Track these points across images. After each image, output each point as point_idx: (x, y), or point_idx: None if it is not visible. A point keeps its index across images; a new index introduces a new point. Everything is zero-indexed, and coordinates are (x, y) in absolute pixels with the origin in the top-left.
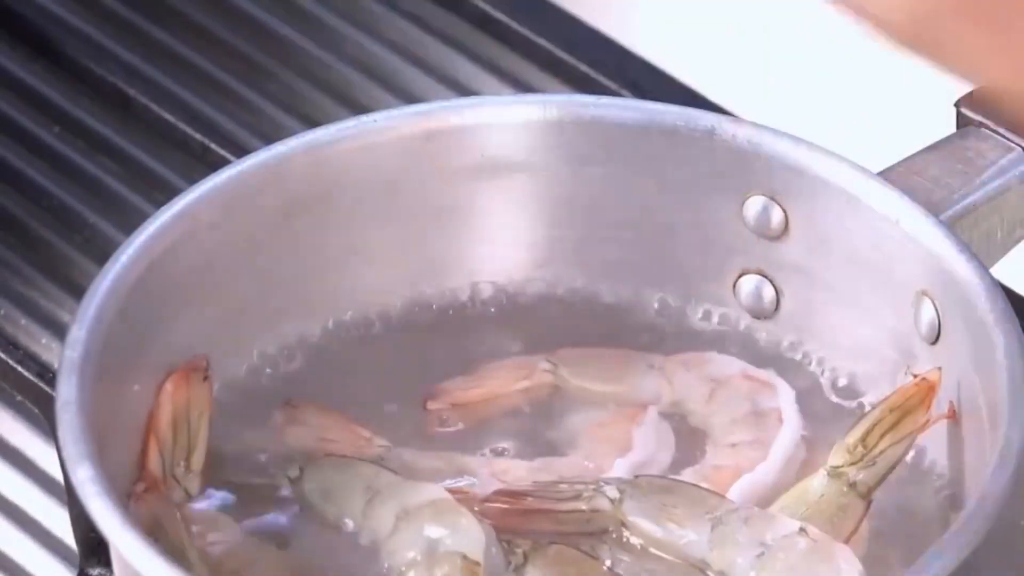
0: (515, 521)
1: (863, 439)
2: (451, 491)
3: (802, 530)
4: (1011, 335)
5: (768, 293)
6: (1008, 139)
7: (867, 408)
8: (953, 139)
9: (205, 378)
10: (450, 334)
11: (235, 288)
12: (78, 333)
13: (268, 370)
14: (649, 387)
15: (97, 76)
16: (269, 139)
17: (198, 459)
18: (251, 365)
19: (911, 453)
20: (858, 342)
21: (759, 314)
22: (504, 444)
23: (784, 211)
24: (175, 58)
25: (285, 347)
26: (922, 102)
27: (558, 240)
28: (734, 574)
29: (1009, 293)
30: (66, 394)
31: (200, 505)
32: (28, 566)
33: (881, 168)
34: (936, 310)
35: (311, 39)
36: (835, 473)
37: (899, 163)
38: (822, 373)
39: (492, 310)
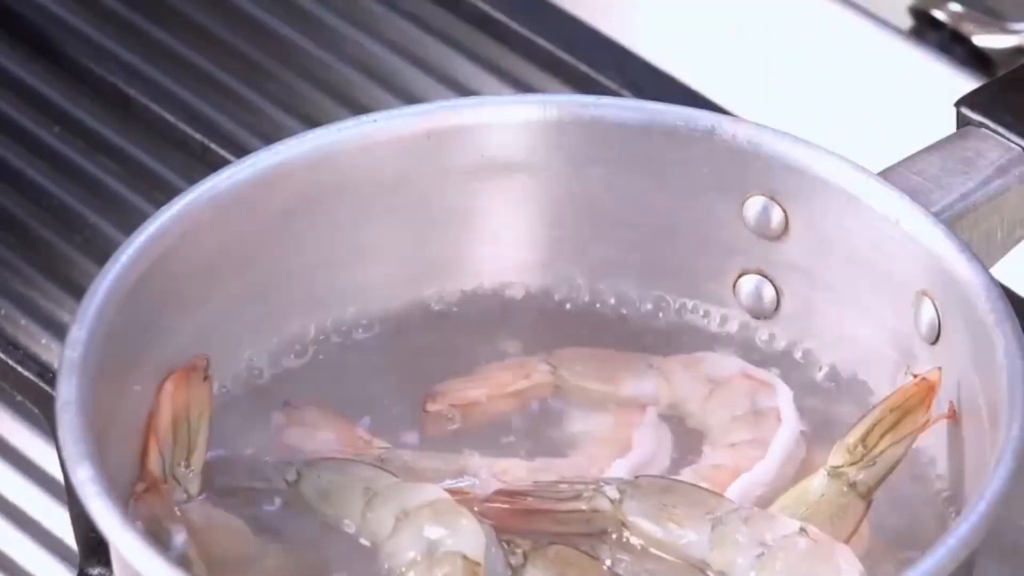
0: (515, 521)
1: (863, 439)
2: (451, 491)
3: (802, 530)
4: (1011, 335)
5: (768, 293)
6: (1008, 139)
7: (867, 408)
8: (953, 139)
9: (205, 378)
10: (450, 334)
11: (235, 288)
12: (78, 333)
13: (268, 370)
14: (648, 387)
15: (97, 76)
16: (269, 139)
17: (198, 459)
18: (251, 365)
19: (911, 453)
20: (858, 342)
21: (759, 314)
22: (504, 444)
23: (784, 211)
24: (175, 58)
25: (285, 347)
26: (922, 102)
27: (558, 240)
28: (734, 574)
29: (1009, 293)
30: (66, 394)
31: (200, 497)
32: (28, 566)
33: (881, 168)
34: (936, 310)
35: (311, 39)
36: (835, 473)
37: (899, 163)
38: (821, 373)
39: (492, 310)
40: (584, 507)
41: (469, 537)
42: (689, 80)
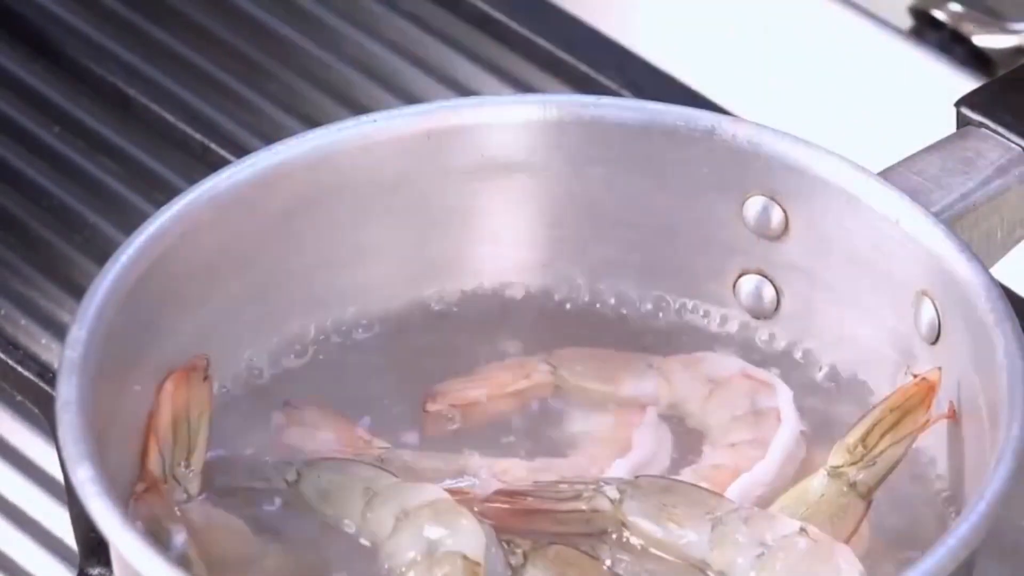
0: (515, 521)
1: (863, 439)
2: (451, 491)
3: (802, 530)
4: (1011, 335)
5: (768, 293)
6: (1008, 139)
7: (867, 408)
8: (953, 139)
9: (205, 378)
10: (450, 334)
11: (235, 288)
12: (78, 333)
13: (268, 370)
14: (648, 387)
15: (97, 76)
16: (269, 139)
17: (198, 459)
18: (251, 365)
19: (911, 453)
20: (858, 342)
21: (759, 314)
22: (504, 444)
23: (784, 211)
24: (175, 58)
25: (285, 347)
26: (922, 102)
27: (558, 240)
28: (734, 574)
29: (1009, 293)
30: (66, 394)
31: (200, 497)
32: (28, 566)
33: (881, 168)
34: (936, 310)
35: (311, 39)
36: (835, 473)
37: (899, 163)
38: (821, 373)
39: (492, 310)
40: (584, 507)
41: (469, 537)
42: (689, 80)
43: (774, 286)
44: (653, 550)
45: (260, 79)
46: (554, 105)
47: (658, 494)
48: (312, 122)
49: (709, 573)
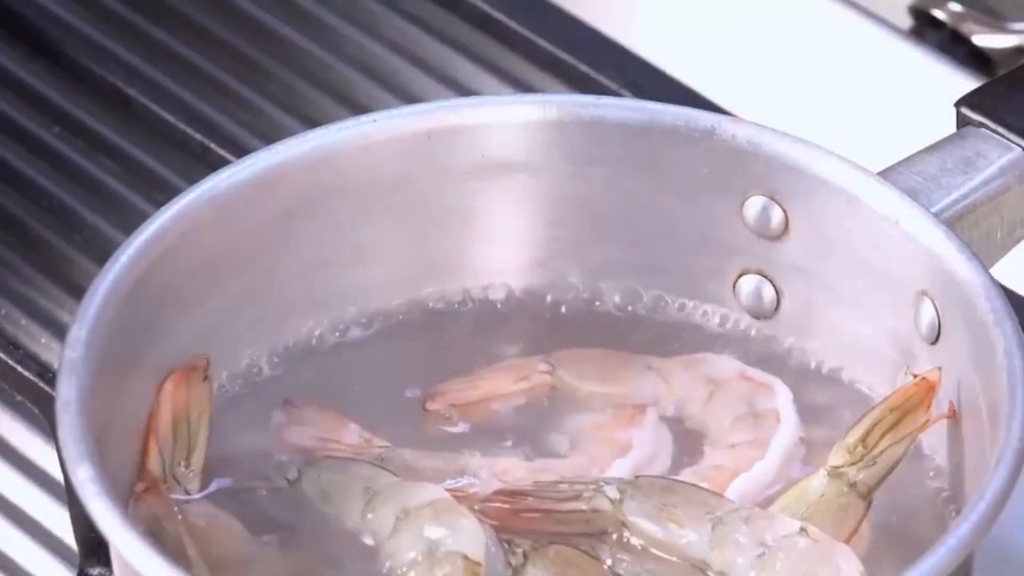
0: (515, 521)
1: (863, 439)
2: (451, 491)
3: (802, 530)
4: (1011, 335)
5: (768, 293)
6: (1008, 139)
7: (867, 408)
8: (953, 139)
9: (205, 378)
10: (450, 334)
11: (235, 288)
12: (78, 333)
13: (268, 370)
14: (648, 388)
15: (97, 76)
16: (269, 139)
17: (198, 459)
18: (251, 365)
19: (911, 453)
20: (858, 342)
21: (759, 314)
22: (504, 444)
23: (784, 211)
24: (175, 58)
25: (285, 347)
26: (922, 102)
27: (558, 240)
28: (734, 574)
29: (1009, 293)
30: (66, 394)
31: (200, 497)
32: (28, 566)
33: (881, 168)
34: (936, 310)
35: (311, 39)
36: (835, 473)
37: (899, 163)
38: (821, 373)
39: (491, 310)
40: (584, 507)
41: (469, 537)
42: (689, 80)
43: (774, 286)
44: (653, 550)
45: (260, 79)
46: (554, 105)
47: (658, 494)
48: (312, 122)
49: (709, 573)
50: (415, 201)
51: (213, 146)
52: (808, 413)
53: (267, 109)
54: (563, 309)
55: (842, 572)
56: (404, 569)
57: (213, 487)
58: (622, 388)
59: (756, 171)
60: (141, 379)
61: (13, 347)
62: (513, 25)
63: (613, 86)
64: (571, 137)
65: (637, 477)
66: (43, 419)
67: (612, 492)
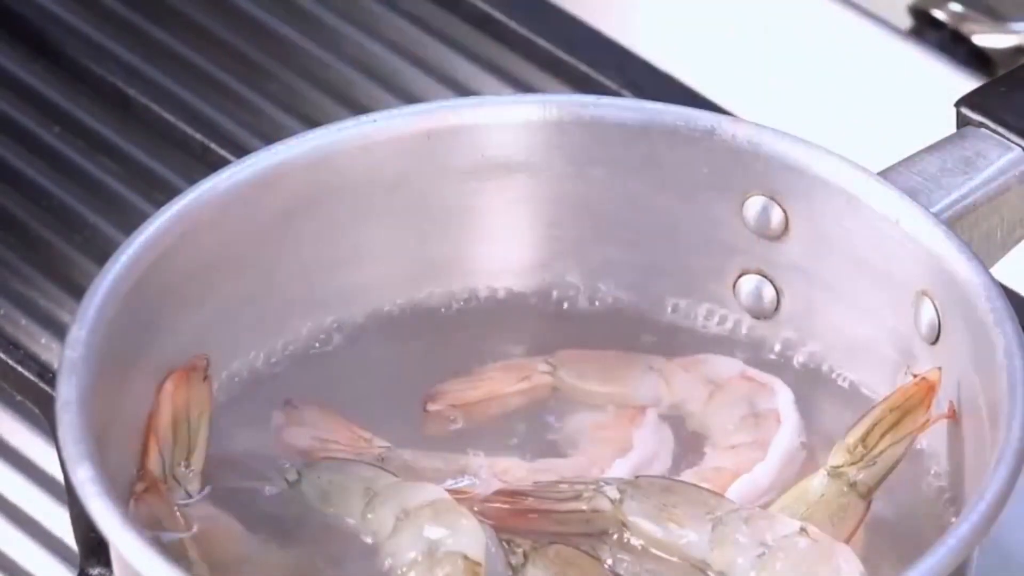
0: (515, 521)
1: (863, 439)
2: (451, 491)
3: (802, 530)
4: (1011, 335)
5: (768, 293)
6: (1008, 139)
7: (867, 408)
8: (953, 139)
9: (205, 378)
10: (450, 334)
11: (235, 288)
12: (78, 333)
13: (268, 370)
14: (648, 389)
15: (97, 76)
16: (269, 139)
17: (198, 459)
18: (251, 365)
19: (911, 453)
20: (858, 342)
21: (759, 314)
22: (504, 444)
23: (784, 211)
24: (175, 58)
25: (285, 347)
26: (922, 102)
27: (558, 240)
28: (734, 574)
29: (1009, 293)
30: (66, 394)
31: (200, 497)
32: (28, 566)
33: (881, 168)
34: (936, 310)
35: (311, 39)
36: (835, 473)
37: (899, 163)
38: (822, 373)
39: (492, 310)
40: (584, 507)
41: (469, 537)
42: (689, 80)
43: (774, 286)
44: (653, 550)
45: (260, 79)
46: (554, 105)
47: (658, 494)
48: (312, 122)
49: (709, 573)
50: (415, 201)
51: (213, 146)
52: (807, 413)
53: (267, 109)
54: (563, 309)
55: (842, 572)
56: (404, 569)
57: (213, 487)
58: (623, 388)
59: (756, 171)
60: (141, 379)
61: (13, 347)
62: (513, 25)
63: (613, 86)
64: (571, 137)
65: (637, 477)
66: (43, 419)
67: (612, 492)
